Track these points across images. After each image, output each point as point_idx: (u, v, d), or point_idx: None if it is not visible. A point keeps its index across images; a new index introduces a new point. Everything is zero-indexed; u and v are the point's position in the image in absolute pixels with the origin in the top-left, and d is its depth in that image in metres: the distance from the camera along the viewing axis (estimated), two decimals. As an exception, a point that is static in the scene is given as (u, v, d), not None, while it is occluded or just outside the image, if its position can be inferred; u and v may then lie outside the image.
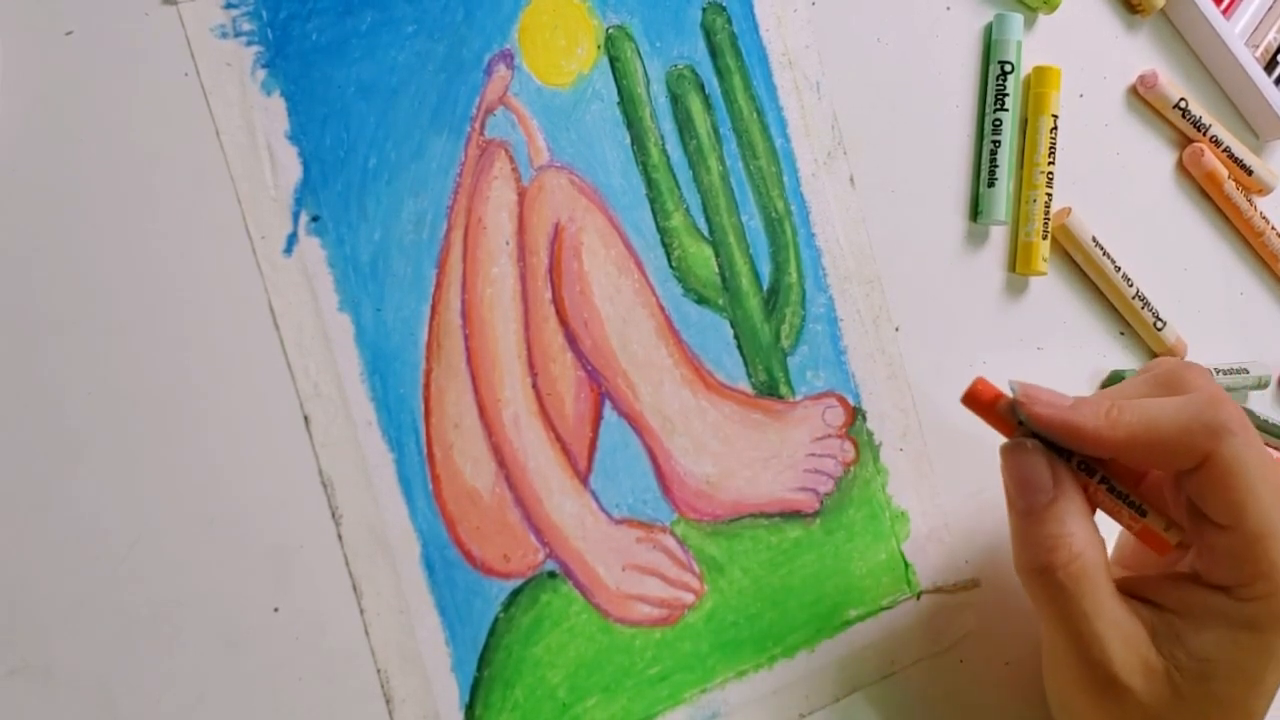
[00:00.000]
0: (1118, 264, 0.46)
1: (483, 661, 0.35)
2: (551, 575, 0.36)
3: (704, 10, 0.39)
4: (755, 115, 0.40)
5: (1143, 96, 0.48)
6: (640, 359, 0.38)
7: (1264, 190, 0.50)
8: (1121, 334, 0.47)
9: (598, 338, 0.37)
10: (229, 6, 0.33)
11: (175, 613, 0.32)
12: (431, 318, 0.35)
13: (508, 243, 0.36)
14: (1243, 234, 0.51)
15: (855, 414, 0.41)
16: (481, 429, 0.36)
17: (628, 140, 0.38)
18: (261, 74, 0.34)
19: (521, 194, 0.37)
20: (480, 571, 0.35)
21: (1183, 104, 0.48)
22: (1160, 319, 0.47)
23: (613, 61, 0.38)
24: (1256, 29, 0.50)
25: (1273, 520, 0.33)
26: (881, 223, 0.42)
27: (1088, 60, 0.47)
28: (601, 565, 0.37)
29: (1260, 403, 0.52)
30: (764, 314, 0.40)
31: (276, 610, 0.33)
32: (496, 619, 0.35)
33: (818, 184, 0.41)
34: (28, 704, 0.30)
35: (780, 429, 0.40)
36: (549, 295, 0.37)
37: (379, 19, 0.35)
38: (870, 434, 0.41)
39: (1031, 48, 0.46)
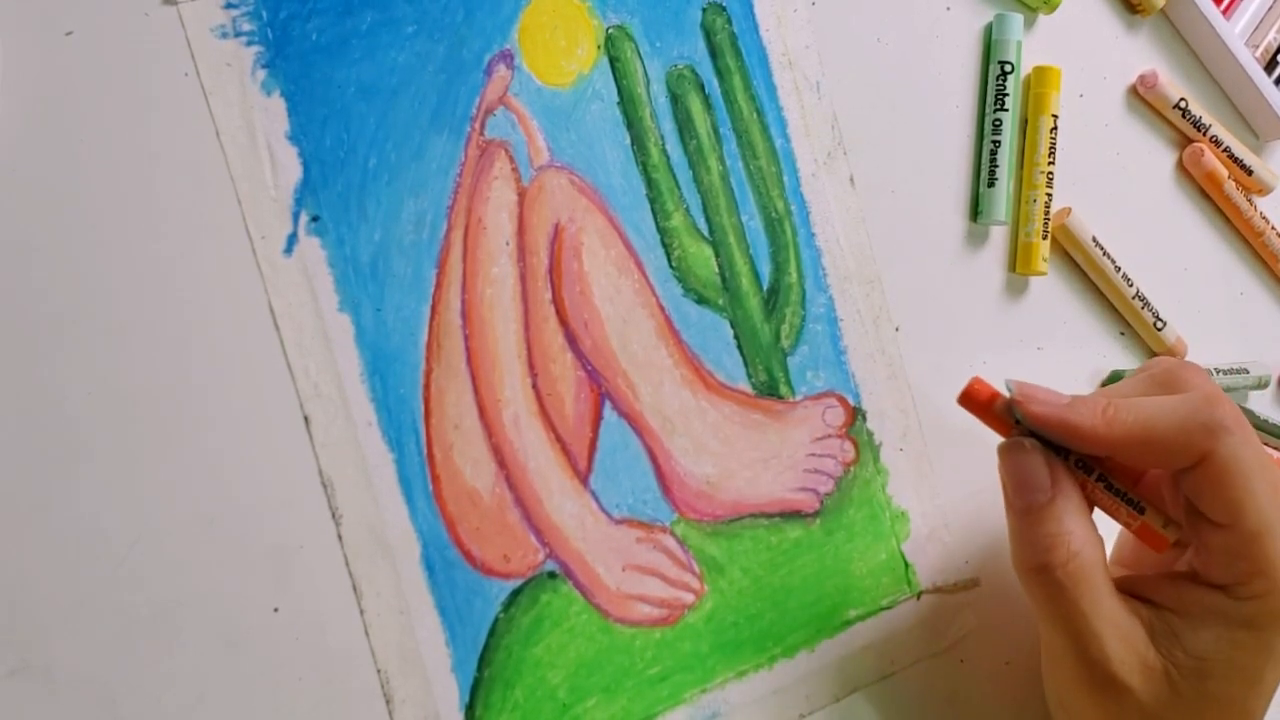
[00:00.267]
0: (1118, 264, 0.46)
1: (483, 662, 0.35)
2: (551, 575, 0.36)
3: (704, 10, 0.39)
4: (755, 115, 0.40)
5: (1143, 96, 0.48)
6: (640, 359, 0.38)
7: (1264, 190, 0.50)
8: (1122, 334, 0.47)
9: (598, 338, 0.37)
10: (229, 6, 0.33)
11: (175, 613, 0.32)
12: (431, 318, 0.35)
13: (508, 243, 0.36)
14: (1243, 234, 0.51)
15: (855, 414, 0.41)
16: (481, 429, 0.36)
17: (628, 140, 0.38)
18: (261, 74, 0.34)
19: (521, 194, 0.37)
20: (480, 572, 0.35)
21: (1183, 104, 0.48)
22: (1160, 319, 0.47)
23: (613, 61, 0.38)
24: (1256, 29, 0.50)
25: (1270, 519, 0.33)
26: (881, 223, 0.42)
27: (1088, 60, 0.47)
28: (601, 565, 0.37)
29: (1260, 402, 0.52)
30: (764, 314, 0.40)
31: (276, 610, 0.33)
32: (496, 619, 0.35)
33: (818, 184, 0.41)
34: (28, 704, 0.30)
35: (780, 429, 0.40)
36: (549, 295, 0.37)
37: (379, 19, 0.35)
38: (870, 434, 0.41)
39: (1031, 48, 0.46)
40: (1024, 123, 0.45)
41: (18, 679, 0.30)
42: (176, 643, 0.31)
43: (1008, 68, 0.44)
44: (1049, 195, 0.44)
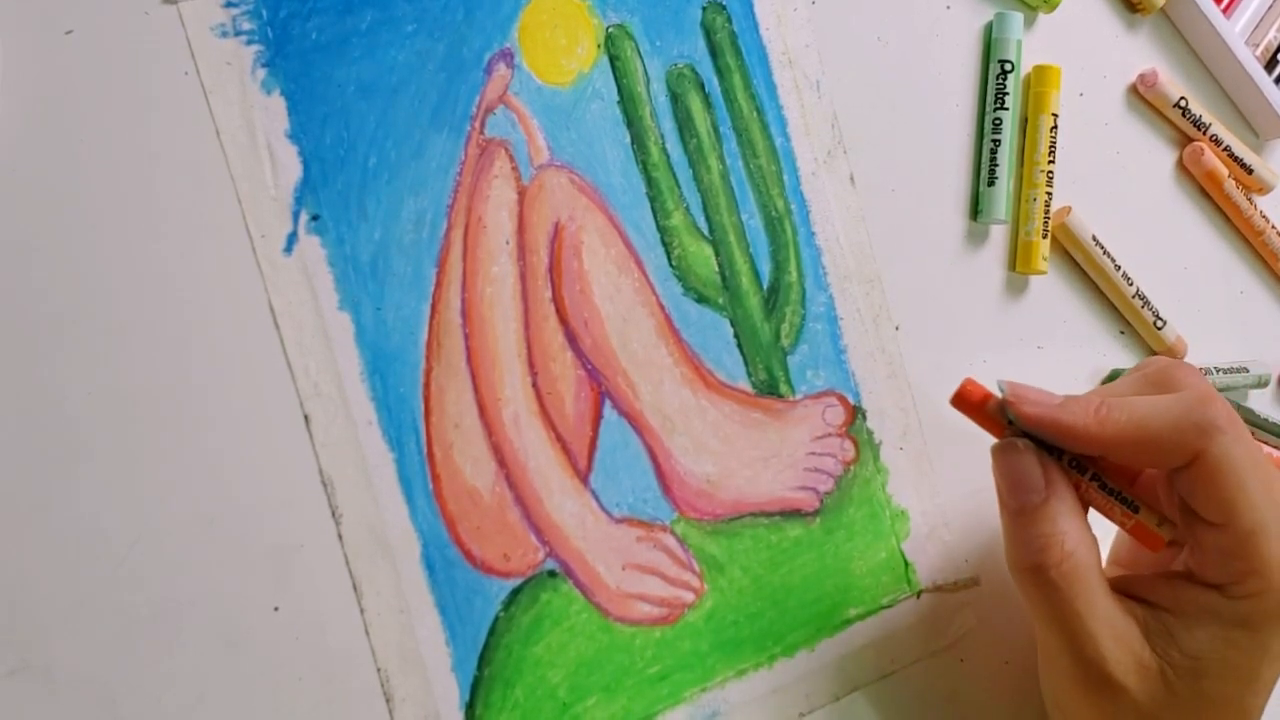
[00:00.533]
0: (1118, 263, 0.46)
1: (483, 661, 0.35)
2: (552, 574, 0.36)
3: (704, 9, 0.39)
4: (755, 114, 0.40)
5: (1143, 95, 0.48)
6: (640, 358, 0.38)
7: (1264, 189, 0.50)
8: (1121, 333, 0.47)
9: (598, 337, 0.37)
10: (229, 5, 0.33)
11: (175, 612, 0.32)
12: (431, 317, 0.35)
13: (508, 242, 0.36)
14: (1243, 233, 0.51)
15: (855, 413, 0.41)
16: (481, 428, 0.36)
17: (628, 139, 0.38)
18: (261, 73, 0.34)
19: (521, 193, 0.37)
20: (480, 571, 0.35)
21: (1183, 103, 0.48)
22: (1160, 318, 0.47)
23: (613, 60, 0.38)
24: (1257, 28, 0.50)
25: (1264, 518, 0.34)
26: (881, 221, 0.42)
27: (1088, 59, 0.47)
28: (602, 564, 0.37)
29: (1260, 401, 0.52)
30: (764, 313, 0.40)
31: (277, 610, 0.33)
32: (497, 618, 0.35)
33: (818, 183, 0.41)
34: (28, 704, 0.30)
35: (780, 428, 0.40)
36: (549, 294, 0.37)
37: (379, 18, 0.35)
38: (870, 433, 0.41)
39: (1031, 47, 0.46)
40: (1024, 121, 0.45)
41: (18, 679, 0.30)
42: (176, 642, 0.31)
43: (1008, 66, 0.44)
44: (1049, 194, 0.44)
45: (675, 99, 0.39)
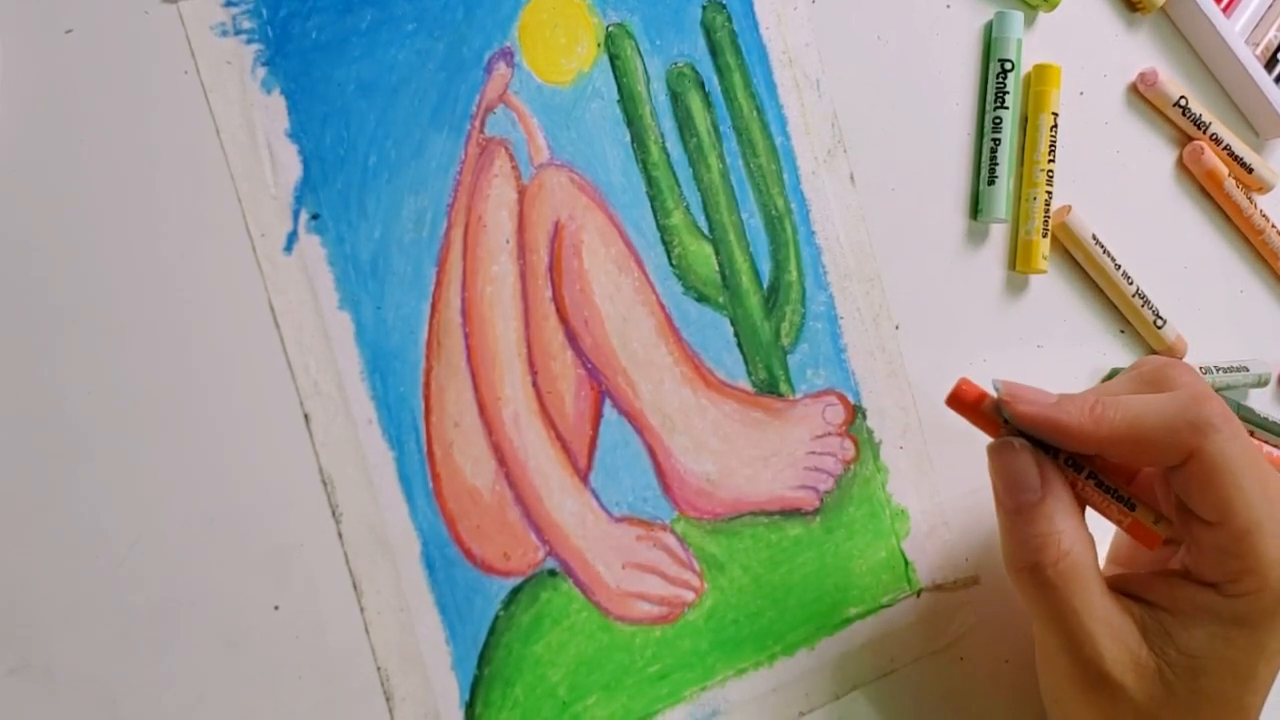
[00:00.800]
0: (1118, 262, 0.46)
1: (483, 659, 0.35)
2: (552, 573, 0.36)
3: (704, 8, 0.39)
4: (755, 113, 0.40)
5: (1143, 94, 0.48)
6: (640, 357, 0.38)
7: (1264, 188, 0.50)
8: (1121, 332, 0.47)
9: (598, 336, 0.37)
10: (229, 5, 0.33)
11: (175, 611, 0.32)
12: (431, 316, 0.35)
13: (508, 241, 0.36)
14: (1243, 232, 0.51)
15: (855, 412, 0.41)
16: (482, 427, 0.36)
17: (628, 138, 0.38)
18: (261, 72, 0.34)
19: (521, 192, 0.37)
20: (480, 570, 0.35)
21: (1183, 102, 0.48)
22: (1160, 317, 0.47)
23: (613, 59, 0.38)
24: (1257, 27, 0.50)
25: (1259, 516, 0.34)
26: (881, 220, 0.42)
27: (1088, 58, 0.47)
28: (602, 563, 0.37)
29: (1260, 400, 0.52)
30: (764, 312, 0.40)
31: (277, 609, 0.33)
32: (497, 617, 0.35)
33: (818, 182, 0.41)
34: (28, 703, 0.30)
35: (780, 427, 0.40)
36: (549, 293, 0.37)
37: (379, 17, 0.35)
38: (870, 432, 0.41)
39: (1032, 45, 0.46)
40: (1024, 120, 0.45)
41: (18, 678, 0.30)
42: (176, 641, 0.31)
43: (1008, 65, 0.44)
44: (1049, 193, 0.44)
45: (675, 98, 0.39)
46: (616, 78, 0.38)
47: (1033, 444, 0.36)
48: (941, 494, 0.42)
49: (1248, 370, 0.49)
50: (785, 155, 0.41)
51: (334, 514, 0.34)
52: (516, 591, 0.36)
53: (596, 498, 0.37)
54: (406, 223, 0.35)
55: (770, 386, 0.40)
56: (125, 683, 0.31)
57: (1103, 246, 0.45)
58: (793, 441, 0.40)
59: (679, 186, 0.39)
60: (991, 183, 0.44)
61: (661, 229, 0.38)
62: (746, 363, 0.39)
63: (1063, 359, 0.46)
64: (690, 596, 0.38)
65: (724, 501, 0.39)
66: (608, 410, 0.37)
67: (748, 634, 0.39)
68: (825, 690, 0.39)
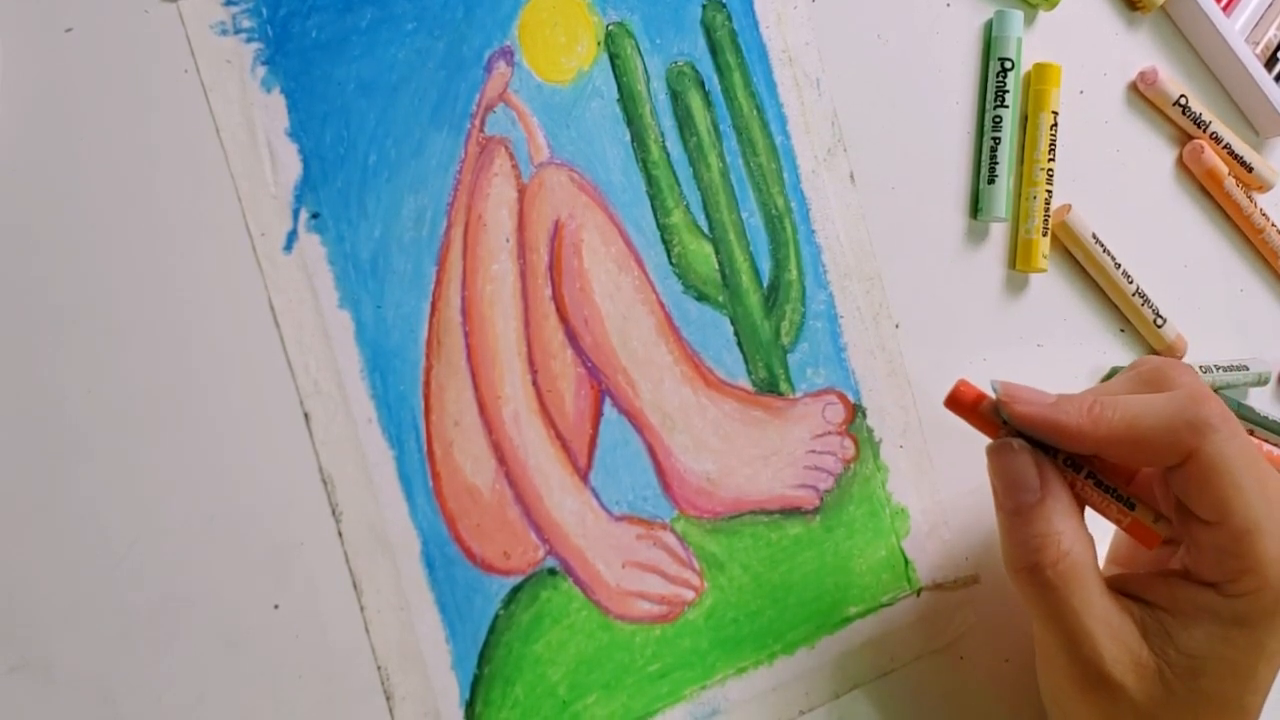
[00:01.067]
0: (1118, 261, 0.46)
1: (483, 659, 0.35)
2: (552, 572, 0.36)
3: (704, 7, 0.39)
4: (755, 112, 0.40)
5: (1143, 93, 0.48)
6: (640, 356, 0.38)
7: (1264, 187, 0.50)
8: (1121, 331, 0.47)
9: (598, 335, 0.37)
10: (229, 4, 0.33)
11: (175, 610, 0.32)
12: (431, 315, 0.35)
13: (508, 240, 0.36)
14: (1243, 231, 0.51)
15: (855, 411, 0.41)
16: (482, 426, 0.36)
17: (628, 137, 0.38)
18: (261, 71, 0.34)
19: (521, 191, 0.37)
20: (480, 568, 0.35)
21: (1183, 101, 0.48)
22: (1160, 316, 0.47)
23: (613, 58, 0.38)
24: (1257, 26, 0.50)
25: (1257, 516, 0.34)
26: (881, 219, 0.42)
27: (1088, 57, 0.47)
28: (602, 562, 0.37)
29: (1260, 399, 0.52)
30: (764, 311, 0.40)
31: (277, 608, 0.33)
32: (497, 616, 0.35)
33: (818, 181, 0.41)
34: (28, 702, 0.30)
35: (780, 426, 0.40)
36: (549, 292, 0.37)
37: (379, 16, 0.35)
38: (870, 431, 0.41)
39: (1032, 44, 0.46)
40: (1024, 119, 0.45)
41: (17, 676, 0.30)
42: (176, 640, 0.31)
43: (1008, 64, 0.44)
44: (1049, 192, 0.44)
45: (675, 97, 0.39)
46: (616, 76, 0.38)
47: (1031, 444, 0.36)
48: (941, 493, 0.42)
49: (1248, 369, 0.49)
50: (785, 154, 0.41)
51: (334, 513, 0.34)
52: (516, 590, 0.36)
53: (596, 497, 0.37)
54: (406, 221, 0.35)
55: (770, 385, 0.40)
56: (125, 682, 0.31)
57: (1103, 245, 0.45)
58: (793, 440, 0.40)
59: (679, 185, 0.39)
60: (991, 181, 0.44)
61: (661, 228, 0.38)
62: (746, 362, 0.39)
63: (1063, 358, 0.46)
64: (690, 595, 0.38)
65: (724, 500, 0.39)
66: (608, 409, 0.37)
67: (748, 633, 0.39)
68: (825, 689, 0.39)
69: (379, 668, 0.34)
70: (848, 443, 0.41)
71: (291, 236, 0.34)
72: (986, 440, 0.37)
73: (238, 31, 0.33)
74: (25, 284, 0.31)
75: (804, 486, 0.40)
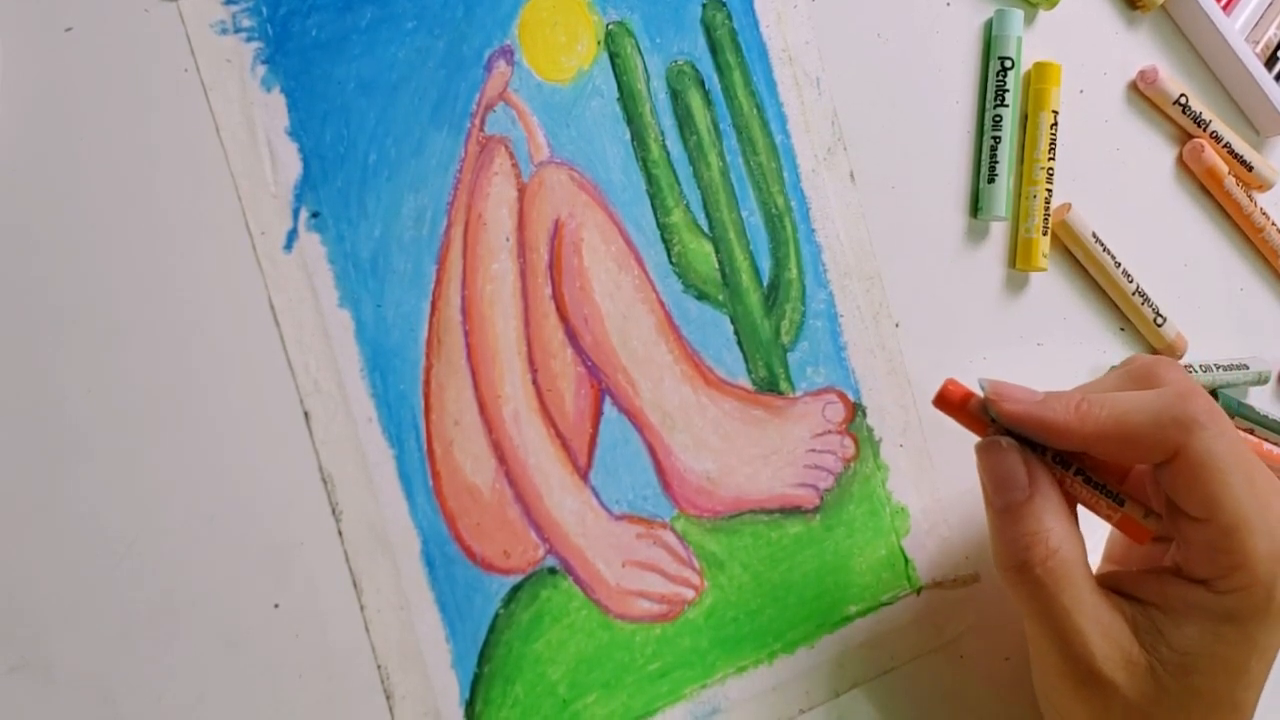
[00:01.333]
0: (1118, 260, 0.46)
1: (483, 658, 0.35)
2: (552, 571, 0.36)
3: (704, 6, 0.39)
4: (755, 111, 0.40)
5: (1143, 92, 0.48)
6: (640, 355, 0.38)
7: (1264, 186, 0.50)
8: (1121, 330, 0.47)
9: (598, 334, 0.37)
10: (229, 3, 0.33)
11: (175, 609, 0.32)
12: (431, 314, 0.35)
13: (508, 239, 0.36)
14: (1243, 230, 0.51)
15: (855, 410, 0.41)
16: (482, 425, 0.36)
17: (628, 136, 0.38)
18: (261, 70, 0.33)
19: (521, 190, 0.37)
20: (480, 568, 0.35)
21: (1183, 100, 0.48)
22: (1160, 315, 0.47)
23: (613, 57, 0.38)
24: (1257, 25, 0.50)
25: (1246, 512, 0.34)
26: (881, 218, 0.42)
27: (1088, 56, 0.47)
28: (602, 561, 0.37)
29: (1260, 398, 0.52)
30: (764, 310, 0.40)
31: (277, 607, 0.33)
32: (497, 615, 0.35)
33: (818, 180, 0.41)
34: (28, 701, 0.30)
35: (780, 425, 0.40)
36: (549, 291, 0.37)
37: (379, 15, 0.35)
38: (870, 430, 0.41)
39: (1032, 43, 0.46)
40: (1024, 118, 0.45)
41: (18, 676, 0.30)
42: (176, 639, 0.31)
43: (1008, 63, 0.44)
44: (1049, 191, 0.44)
45: (675, 96, 0.39)
46: (616, 76, 0.38)
47: (1021, 443, 0.36)
48: (941, 492, 0.42)
49: (1247, 368, 0.49)
50: (785, 153, 0.41)
51: (334, 512, 0.34)
52: (516, 589, 0.36)
53: (596, 496, 0.37)
54: (406, 220, 0.35)
55: (770, 384, 0.40)
56: (125, 681, 0.31)
57: (1103, 244, 0.45)
58: (793, 439, 0.40)
59: (679, 184, 0.39)
60: (991, 181, 0.44)
61: (661, 227, 0.38)
62: (746, 361, 0.39)
63: (1062, 357, 0.46)
64: (690, 594, 0.38)
65: (724, 499, 0.39)
66: (608, 408, 0.37)
67: (748, 632, 0.39)
68: (825, 688, 0.39)
69: (379, 667, 0.34)
70: (848, 442, 0.41)
71: (291, 235, 0.34)
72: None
73: (238, 30, 0.33)
74: (25, 284, 0.31)
75: (804, 485, 0.40)
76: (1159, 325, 0.47)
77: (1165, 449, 0.34)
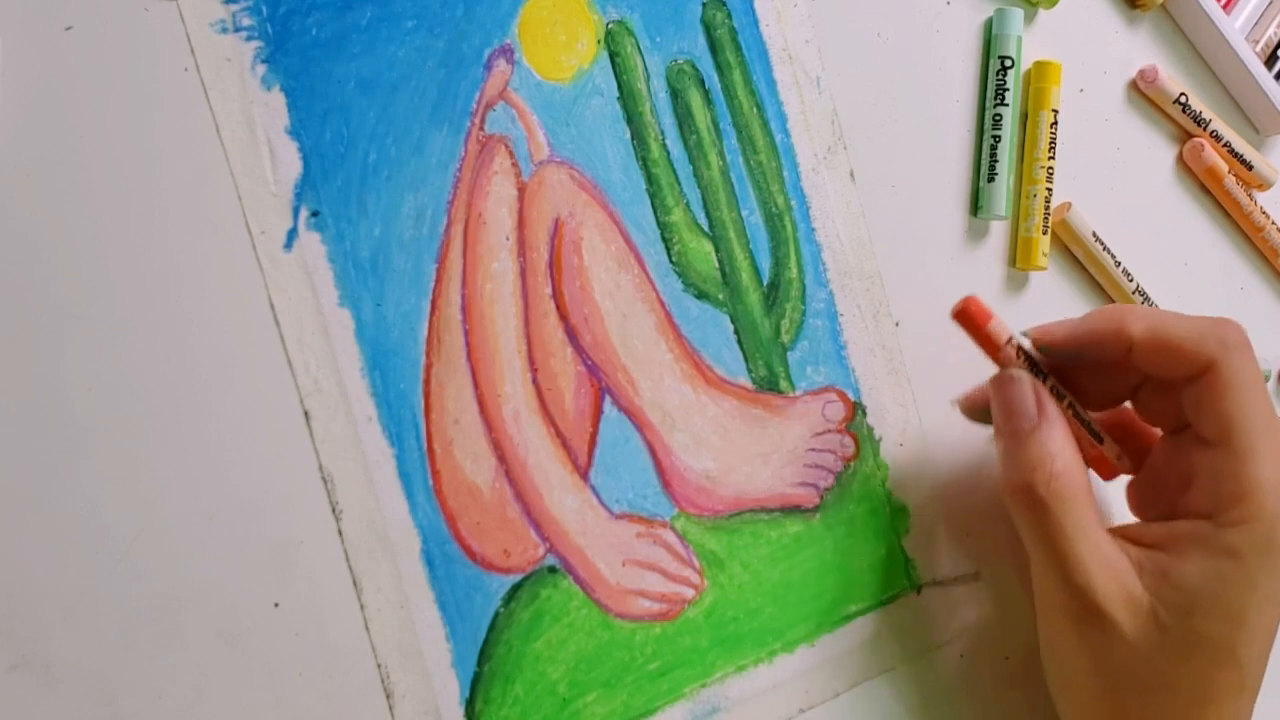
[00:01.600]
0: (1118, 259, 0.46)
1: (483, 657, 0.35)
2: (552, 570, 0.36)
3: (704, 5, 0.39)
4: (755, 110, 0.40)
5: (1143, 91, 0.48)
6: (640, 354, 0.38)
7: (1264, 185, 0.50)
8: (1121, 329, 0.47)
9: (598, 333, 0.37)
10: (228, 2, 0.33)
11: (176, 608, 0.32)
12: (431, 313, 0.35)
13: (508, 238, 0.36)
14: (1243, 229, 0.51)
15: (855, 409, 0.41)
16: (481, 424, 0.36)
17: (628, 135, 0.38)
18: (261, 69, 0.34)
19: (521, 189, 0.37)
20: (480, 567, 0.35)
21: (1183, 99, 0.48)
22: (1160, 314, 0.47)
23: (613, 56, 0.38)
24: (1257, 24, 0.50)
25: (1259, 442, 0.34)
26: (882, 218, 0.42)
27: (1088, 55, 0.47)
28: (602, 560, 0.37)
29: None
30: (764, 309, 0.40)
31: (277, 606, 0.33)
32: (497, 614, 0.35)
33: (818, 179, 0.41)
34: (28, 700, 0.30)
35: (780, 424, 0.40)
36: (549, 290, 0.37)
37: (379, 14, 0.35)
38: (870, 429, 0.41)
39: (1032, 43, 0.46)
40: (1024, 118, 0.45)
41: (18, 674, 0.30)
42: (177, 638, 0.31)
43: (1008, 63, 0.44)
44: (1049, 190, 0.44)
45: (675, 95, 0.39)
46: (616, 75, 0.38)
47: (1032, 375, 0.37)
48: (942, 491, 0.42)
49: (1248, 367, 0.49)
50: (785, 152, 0.41)
51: (334, 511, 0.34)
52: (516, 589, 0.36)
53: (596, 495, 0.37)
54: (406, 220, 0.35)
55: (770, 384, 0.40)
56: (125, 679, 0.31)
57: (1103, 243, 0.45)
58: (793, 438, 0.40)
59: (679, 184, 0.39)
60: (991, 180, 0.44)
61: (661, 226, 0.38)
62: (746, 360, 0.39)
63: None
64: (690, 593, 0.38)
65: (724, 498, 0.39)
66: (608, 407, 0.37)
67: (748, 631, 0.39)
68: (825, 687, 0.39)
69: (379, 666, 0.34)
70: (848, 441, 0.41)
71: (291, 234, 0.34)
72: (986, 438, 0.38)
73: (237, 29, 0.33)
74: (26, 282, 0.31)
75: (804, 484, 0.40)
76: (1159, 324, 0.47)
77: (1199, 361, 0.35)
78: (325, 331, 0.34)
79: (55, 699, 0.30)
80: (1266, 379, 0.51)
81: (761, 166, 0.40)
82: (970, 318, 0.37)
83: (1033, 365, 0.37)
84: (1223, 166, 0.49)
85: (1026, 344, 0.38)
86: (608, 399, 0.37)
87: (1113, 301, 0.47)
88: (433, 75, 0.36)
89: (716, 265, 0.39)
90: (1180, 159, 0.49)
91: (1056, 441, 0.36)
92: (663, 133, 0.39)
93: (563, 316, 0.37)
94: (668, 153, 0.39)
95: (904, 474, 0.42)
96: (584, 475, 0.37)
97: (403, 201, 0.35)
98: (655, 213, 0.38)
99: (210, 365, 0.32)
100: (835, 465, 0.40)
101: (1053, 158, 0.45)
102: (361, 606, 0.34)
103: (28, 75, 0.31)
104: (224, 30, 0.33)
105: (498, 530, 0.35)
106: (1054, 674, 0.38)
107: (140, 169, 0.32)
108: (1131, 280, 0.46)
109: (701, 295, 0.39)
